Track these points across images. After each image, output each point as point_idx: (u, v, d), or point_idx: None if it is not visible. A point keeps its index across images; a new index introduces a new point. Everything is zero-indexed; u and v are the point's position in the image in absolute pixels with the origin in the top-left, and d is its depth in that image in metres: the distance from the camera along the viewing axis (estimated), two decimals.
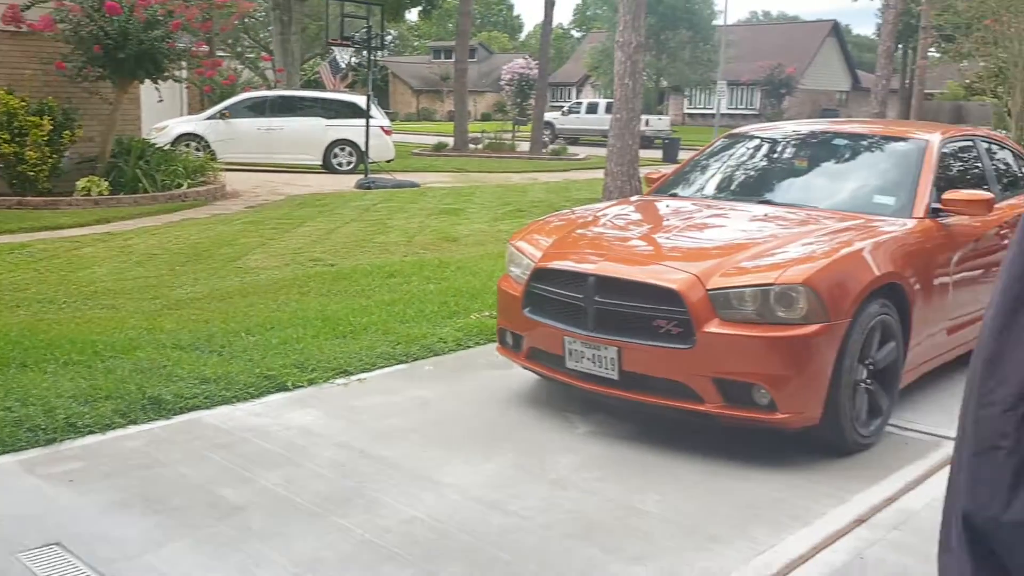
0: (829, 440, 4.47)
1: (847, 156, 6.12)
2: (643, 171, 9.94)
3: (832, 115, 46.03)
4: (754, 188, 6.08)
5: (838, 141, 6.29)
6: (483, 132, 31.54)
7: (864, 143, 6.16)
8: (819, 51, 53.42)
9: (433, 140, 31.45)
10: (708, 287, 4.38)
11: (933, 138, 5.72)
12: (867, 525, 3.74)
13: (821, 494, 4.06)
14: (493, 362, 5.80)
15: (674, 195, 6.23)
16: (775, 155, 6.42)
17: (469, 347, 6.31)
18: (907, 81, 44.77)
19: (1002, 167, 6.37)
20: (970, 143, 6.22)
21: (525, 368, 5.26)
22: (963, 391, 2.16)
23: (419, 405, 5.17)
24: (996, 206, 5.41)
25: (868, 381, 4.60)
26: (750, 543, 3.58)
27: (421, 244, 10.76)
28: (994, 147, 6.54)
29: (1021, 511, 1.90)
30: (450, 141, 29.24)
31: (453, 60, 33.59)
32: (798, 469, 4.33)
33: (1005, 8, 18.34)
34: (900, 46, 47.55)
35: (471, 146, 28.97)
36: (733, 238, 4.98)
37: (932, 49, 38.36)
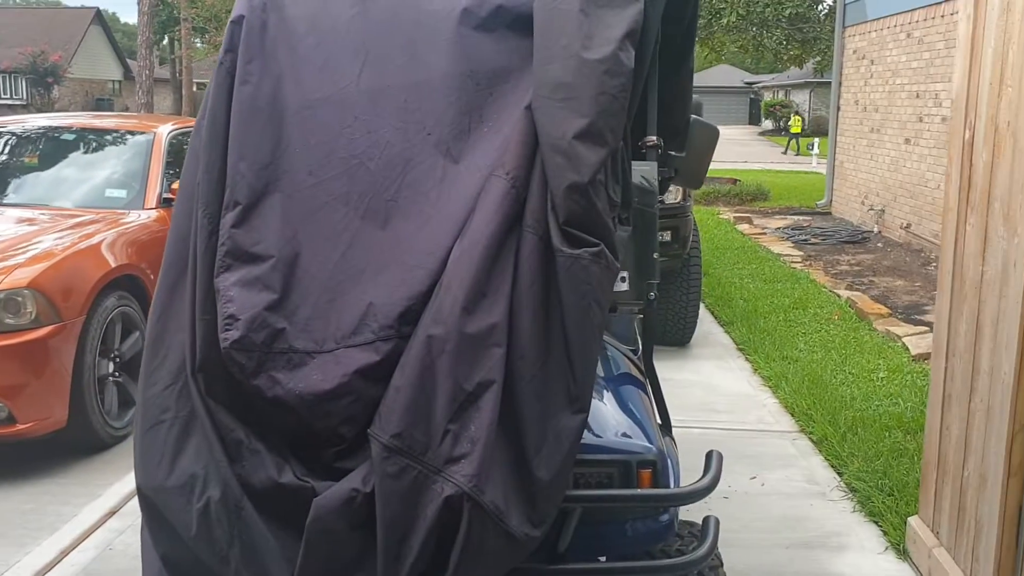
0: (81, 439, 4.43)
1: (84, 151, 6.04)
2: None
3: (107, 105, 44.85)
4: None
5: (74, 136, 6.16)
6: None
7: (99, 137, 6.13)
8: (85, 39, 51.23)
9: None
10: None
11: (162, 130, 5.95)
12: (118, 515, 3.82)
13: (73, 495, 4.01)
14: None
15: None
16: (6, 151, 6.03)
17: None
18: (178, 71, 45.61)
19: None
20: None
21: None
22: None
23: None
24: None
25: (117, 374, 4.66)
26: None
27: None
28: None
29: (180, 475, 2.13)
30: None
31: None
32: (50, 475, 4.21)
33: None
34: (167, 36, 48.20)
35: None
36: None
37: (198, 40, 39.71)
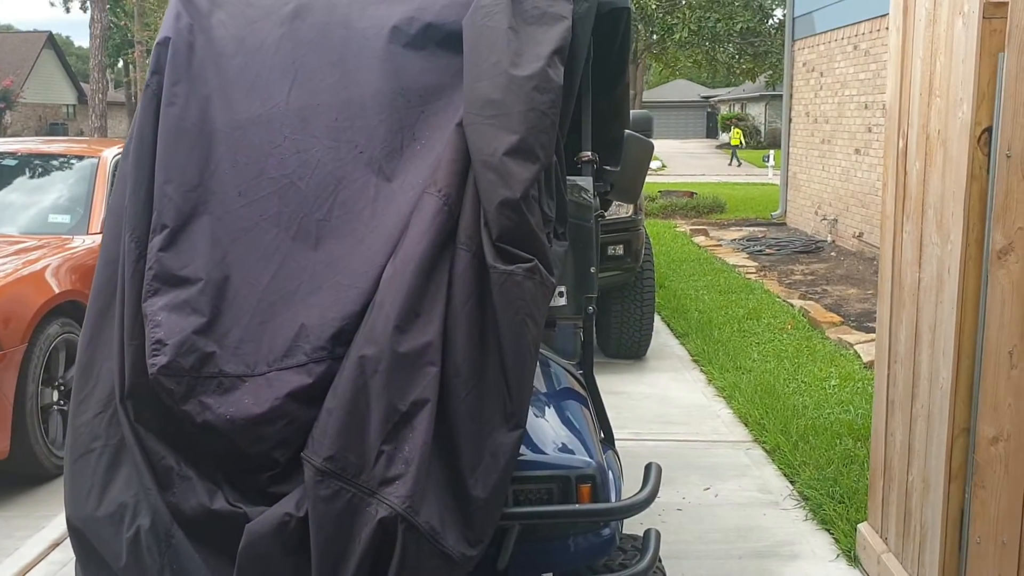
0: (25, 470, 4.33)
1: (28, 176, 5.94)
2: None
3: (61, 130, 44.37)
4: None
5: (18, 161, 6.05)
6: None
7: (44, 162, 6.03)
8: (37, 63, 50.61)
9: None
10: None
11: (107, 154, 5.87)
12: (61, 548, 3.73)
13: (16, 528, 3.92)
14: None
15: None
16: None
17: None
18: (133, 94, 45.18)
19: None
20: None
21: None
22: None
23: None
24: None
25: (61, 402, 4.56)
26: None
27: None
28: None
29: (110, 505, 2.09)
30: None
31: None
32: None
33: None
34: (121, 59, 47.78)
35: None
36: None
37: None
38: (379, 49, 2.37)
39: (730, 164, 33.19)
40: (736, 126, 39.27)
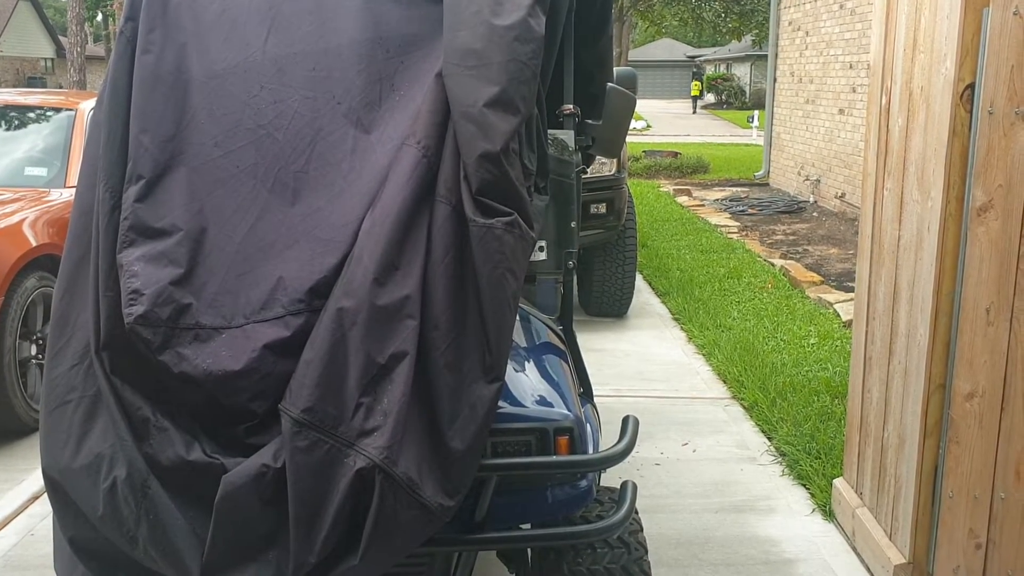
0: (3, 424, 4.32)
1: (4, 128, 5.84)
2: None
3: (39, 84, 43.72)
4: None
5: None
6: None
7: (20, 115, 5.94)
8: (13, 16, 49.67)
9: None
10: None
11: (84, 106, 5.78)
12: (41, 501, 3.73)
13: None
14: None
15: None
16: None
17: None
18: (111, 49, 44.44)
19: None
20: None
21: None
22: None
23: None
24: None
25: (40, 356, 4.54)
26: None
27: None
28: None
29: (87, 455, 2.07)
30: None
31: None
32: None
33: None
34: (100, 12, 47.01)
35: None
36: None
37: None
38: None
39: (693, 112, 39.44)
40: (696, 78, 45.85)
